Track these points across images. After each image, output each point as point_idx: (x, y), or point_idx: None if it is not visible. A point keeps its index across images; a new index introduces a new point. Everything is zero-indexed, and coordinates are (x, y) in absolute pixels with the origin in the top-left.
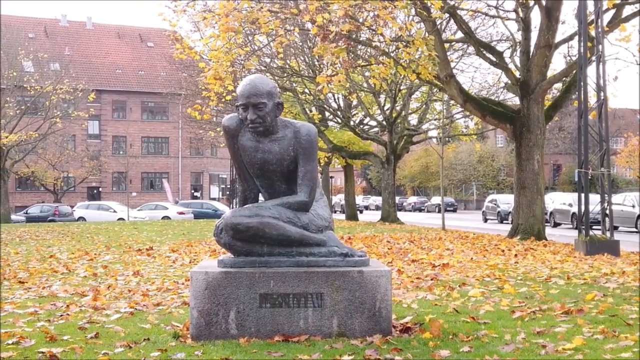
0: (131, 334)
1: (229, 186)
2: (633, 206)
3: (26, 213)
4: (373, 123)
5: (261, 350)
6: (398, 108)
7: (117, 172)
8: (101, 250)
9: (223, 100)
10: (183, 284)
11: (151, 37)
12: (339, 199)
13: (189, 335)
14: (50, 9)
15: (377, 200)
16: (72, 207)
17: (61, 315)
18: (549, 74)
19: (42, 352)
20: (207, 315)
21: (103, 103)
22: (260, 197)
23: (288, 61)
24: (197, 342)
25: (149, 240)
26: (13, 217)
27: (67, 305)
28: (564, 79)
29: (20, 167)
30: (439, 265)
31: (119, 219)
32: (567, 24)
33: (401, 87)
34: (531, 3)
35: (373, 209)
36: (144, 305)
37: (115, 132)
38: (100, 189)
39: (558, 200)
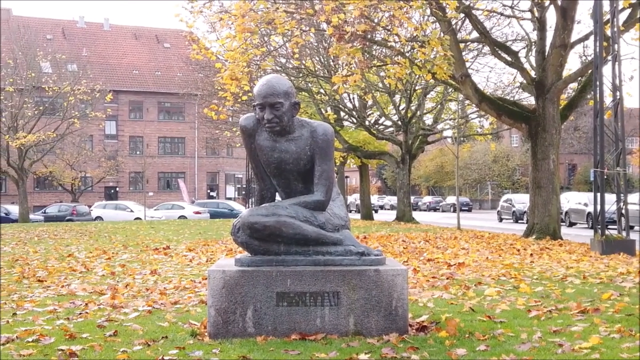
0: (149, 332)
1: (244, 186)
2: None
3: (44, 212)
4: (388, 123)
5: (278, 348)
6: (413, 108)
7: (134, 172)
8: (119, 249)
9: (239, 100)
10: (200, 282)
11: (167, 38)
12: (354, 198)
13: (206, 334)
14: (67, 10)
15: (392, 199)
16: (89, 206)
17: (80, 314)
18: (565, 73)
19: (62, 350)
20: (225, 314)
21: (120, 103)
22: (277, 197)
23: (303, 61)
24: (214, 340)
25: (165, 240)
26: (31, 216)
27: (86, 304)
28: (580, 78)
29: (38, 167)
30: (454, 265)
31: (136, 219)
32: (583, 23)
33: (416, 87)
34: (547, 3)
35: (388, 209)
36: (161, 303)
37: (132, 133)
38: (117, 189)
39: (573, 200)
